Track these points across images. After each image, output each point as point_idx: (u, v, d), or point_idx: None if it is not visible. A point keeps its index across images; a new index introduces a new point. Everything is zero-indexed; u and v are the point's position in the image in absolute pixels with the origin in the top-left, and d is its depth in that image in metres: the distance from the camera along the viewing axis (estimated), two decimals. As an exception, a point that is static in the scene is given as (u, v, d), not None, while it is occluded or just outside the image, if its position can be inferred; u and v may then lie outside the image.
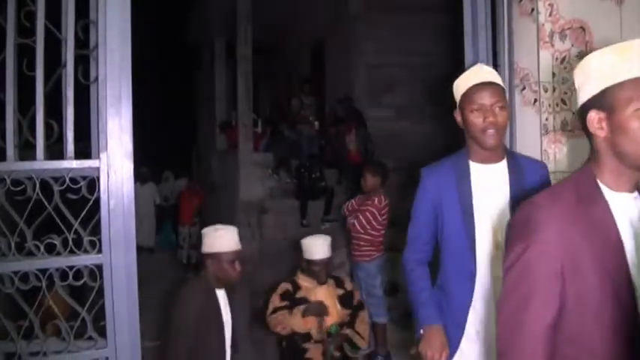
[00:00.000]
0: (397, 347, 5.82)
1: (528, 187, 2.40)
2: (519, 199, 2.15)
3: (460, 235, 2.47)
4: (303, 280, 4.08)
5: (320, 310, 3.90)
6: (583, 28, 2.94)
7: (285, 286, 4.08)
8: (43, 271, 2.25)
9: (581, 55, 2.93)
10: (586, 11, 3.01)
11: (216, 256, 3.29)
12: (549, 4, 3.05)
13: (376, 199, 5.57)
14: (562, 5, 3.04)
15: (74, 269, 2.28)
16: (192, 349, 3.14)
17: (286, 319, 3.89)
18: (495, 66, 3.17)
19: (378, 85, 10.57)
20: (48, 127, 2.31)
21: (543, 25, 3.08)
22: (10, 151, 2.25)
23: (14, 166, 2.25)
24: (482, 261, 2.46)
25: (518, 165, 2.51)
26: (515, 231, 1.59)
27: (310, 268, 4.03)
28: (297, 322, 3.88)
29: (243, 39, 10.29)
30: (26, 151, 2.35)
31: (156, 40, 15.96)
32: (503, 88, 2.52)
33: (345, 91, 10.53)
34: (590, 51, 2.85)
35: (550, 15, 3.06)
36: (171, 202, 13.79)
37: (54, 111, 2.33)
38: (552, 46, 3.07)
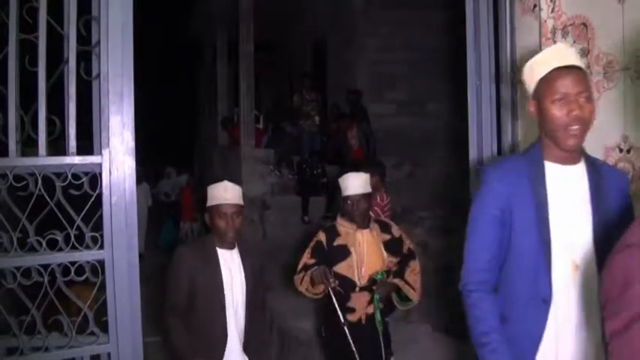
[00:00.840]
0: (399, 343, 5.81)
1: (611, 197, 2.08)
2: (602, 213, 2.01)
3: (533, 250, 2.04)
4: (342, 225, 3.79)
5: (323, 276, 3.48)
6: (585, 25, 2.93)
7: (320, 236, 3.81)
8: (45, 266, 2.25)
9: (583, 52, 2.92)
10: (588, 8, 3.00)
11: (210, 210, 3.21)
12: (551, 1, 3.05)
13: (378, 198, 5.57)
14: (564, 2, 3.03)
15: (76, 265, 2.29)
16: (185, 309, 3.11)
17: (304, 283, 3.64)
18: (497, 62, 3.16)
19: (380, 81, 10.57)
20: (50, 123, 2.32)
21: (545, 21, 3.08)
22: (13, 146, 2.26)
23: (16, 161, 2.25)
24: (560, 283, 2.03)
25: (597, 169, 2.13)
26: (615, 287, 1.32)
27: (346, 207, 3.72)
28: (308, 288, 3.65)
29: (245, 35, 10.28)
30: (27, 148, 2.36)
31: (157, 37, 15.96)
32: (587, 74, 2.16)
33: (347, 87, 10.53)
34: (593, 47, 2.86)
35: (552, 11, 3.05)
36: (172, 199, 13.43)
37: (56, 108, 2.33)
38: (554, 42, 3.06)
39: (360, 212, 3.70)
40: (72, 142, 2.32)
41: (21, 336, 2.26)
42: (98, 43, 2.35)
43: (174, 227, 12.34)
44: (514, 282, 2.09)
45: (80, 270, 2.29)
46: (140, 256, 8.86)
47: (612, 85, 2.78)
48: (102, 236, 2.31)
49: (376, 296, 3.64)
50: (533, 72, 2.10)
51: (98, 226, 2.33)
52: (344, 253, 3.69)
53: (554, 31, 3.06)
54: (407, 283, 3.74)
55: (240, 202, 3.27)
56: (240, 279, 3.23)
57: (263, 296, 3.48)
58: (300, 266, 3.72)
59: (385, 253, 3.74)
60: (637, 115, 2.69)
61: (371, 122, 9.76)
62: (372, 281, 3.64)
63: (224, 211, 3.16)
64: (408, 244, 3.92)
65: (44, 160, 2.28)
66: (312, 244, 3.78)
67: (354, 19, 10.86)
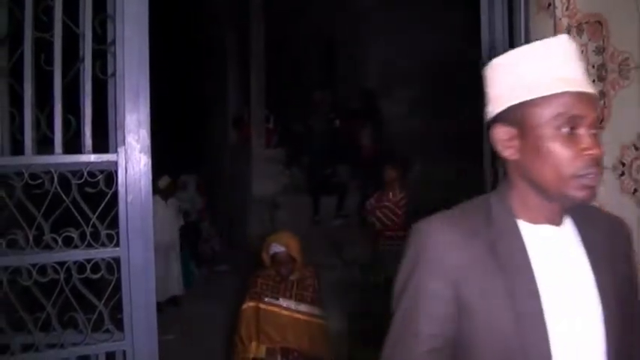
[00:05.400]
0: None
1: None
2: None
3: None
4: None
5: None
6: (600, 23, 2.91)
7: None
8: (61, 264, 2.26)
9: (598, 50, 2.91)
10: (603, 5, 2.98)
11: None
12: (566, -2, 3.03)
13: (391, 194, 5.58)
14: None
15: (92, 262, 2.30)
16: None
17: None
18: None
19: (391, 80, 10.55)
20: (66, 122, 2.32)
21: (560, 19, 3.06)
22: (28, 145, 2.27)
23: (32, 160, 2.26)
24: None
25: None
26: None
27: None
28: None
29: (255, 34, 10.30)
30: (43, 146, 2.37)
31: (167, 36, 15.98)
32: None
33: (357, 85, 10.53)
34: (608, 45, 2.84)
35: (567, 9, 3.03)
36: (191, 219, 9.93)
37: (72, 106, 2.34)
38: (570, 40, 3.05)
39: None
40: (88, 141, 2.33)
41: (36, 333, 2.27)
42: (114, 41, 2.35)
43: (190, 260, 9.62)
44: None
45: (96, 267, 2.30)
46: (175, 300, 7.85)
47: (628, 83, 2.76)
48: (117, 234, 2.31)
49: None
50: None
51: (114, 224, 2.33)
52: None
53: (569, 29, 3.04)
54: None
55: None
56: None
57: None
58: None
59: None
60: (653, 113, 2.68)
61: (383, 122, 9.77)
62: None
63: None
64: None
65: (60, 159, 2.29)
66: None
67: (364, 16, 10.84)
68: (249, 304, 3.79)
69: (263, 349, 3.65)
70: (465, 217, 1.49)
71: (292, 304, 3.73)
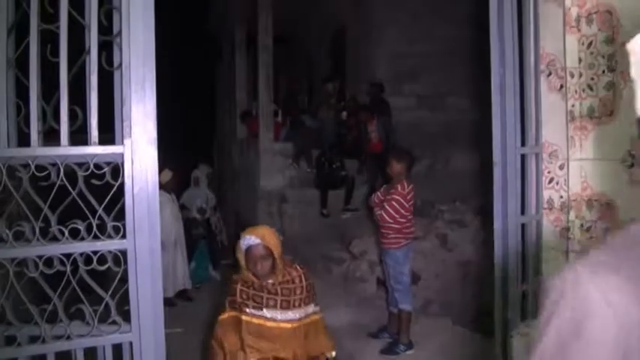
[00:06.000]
0: (418, 335, 5.80)
1: None
2: None
3: None
4: None
5: None
6: (610, 12, 2.88)
7: None
8: (68, 255, 2.26)
9: (608, 40, 2.88)
10: (613, -5, 2.95)
11: None
12: (576, -12, 3.00)
13: (399, 187, 5.52)
14: (589, -11, 2.98)
15: (98, 254, 2.29)
16: None
17: None
18: (521, 51, 3.12)
19: (399, 73, 10.51)
20: (72, 114, 2.32)
21: (569, 9, 3.03)
22: (35, 137, 2.27)
23: (38, 151, 2.26)
24: None
25: None
26: None
27: None
28: None
29: (264, 28, 10.27)
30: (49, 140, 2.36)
31: (176, 30, 16.00)
32: None
33: (366, 79, 10.50)
34: (618, 35, 2.81)
35: (577, -1, 3.01)
36: (207, 216, 9.42)
37: (78, 98, 2.34)
38: (579, 30, 3.02)
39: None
40: (94, 132, 2.32)
41: (43, 324, 2.28)
42: (119, 33, 2.34)
43: (207, 257, 9.32)
44: None
45: (102, 259, 2.30)
46: (185, 294, 7.61)
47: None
48: (124, 226, 2.31)
49: None
50: None
51: (120, 216, 2.33)
52: None
53: (578, 18, 3.01)
54: None
55: None
56: None
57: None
58: None
59: None
60: (665, 104, 2.65)
61: (392, 116, 9.73)
62: None
63: None
64: None
65: (66, 150, 2.28)
66: None
67: (373, 10, 10.80)
68: (229, 314, 3.38)
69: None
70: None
71: (278, 314, 3.33)
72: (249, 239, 3.29)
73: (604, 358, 0.93)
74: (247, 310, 3.30)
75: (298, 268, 3.49)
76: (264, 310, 3.31)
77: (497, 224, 3.15)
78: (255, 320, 3.30)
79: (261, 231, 3.40)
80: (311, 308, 3.45)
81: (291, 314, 3.36)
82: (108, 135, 2.41)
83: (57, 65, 2.30)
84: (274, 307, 3.33)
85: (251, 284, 3.35)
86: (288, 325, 3.33)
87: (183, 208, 8.94)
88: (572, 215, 3.05)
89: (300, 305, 3.38)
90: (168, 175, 7.97)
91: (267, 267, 3.28)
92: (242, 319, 3.28)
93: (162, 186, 7.78)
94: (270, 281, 3.34)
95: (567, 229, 3.05)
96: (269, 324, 3.31)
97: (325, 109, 10.67)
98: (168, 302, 7.40)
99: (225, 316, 3.37)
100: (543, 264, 3.20)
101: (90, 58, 2.33)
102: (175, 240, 8.04)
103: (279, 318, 3.33)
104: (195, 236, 9.10)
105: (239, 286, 3.35)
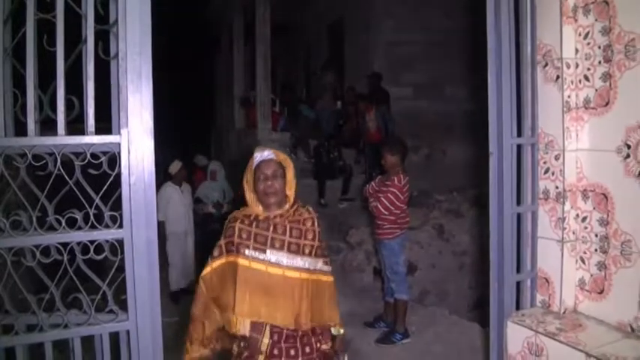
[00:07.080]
0: (415, 325, 5.83)
1: None
2: None
3: None
4: None
5: None
6: (607, 2, 2.88)
7: None
8: (65, 245, 2.27)
9: (604, 30, 2.88)
10: (610, -15, 2.95)
11: None
12: (573, -21, 3.00)
13: (396, 179, 5.53)
14: (586, -20, 2.98)
15: (95, 243, 2.30)
16: None
17: None
18: (517, 42, 3.12)
19: (397, 63, 10.51)
20: (69, 103, 2.32)
21: None
22: (31, 126, 2.27)
23: (35, 141, 2.26)
24: None
25: None
26: None
27: None
28: None
29: (261, 18, 10.25)
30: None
31: (174, 19, 15.94)
32: None
33: (364, 69, 10.49)
34: (614, 26, 2.81)
35: (574, -11, 3.01)
36: (224, 210, 8.73)
37: (75, 88, 2.33)
38: (575, 21, 3.02)
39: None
40: (90, 122, 2.32)
41: (40, 313, 2.29)
42: (116, 22, 2.34)
43: None
44: None
45: (99, 248, 2.31)
46: (184, 292, 7.20)
47: (634, 64, 2.74)
48: (121, 215, 2.32)
49: None
50: None
51: (117, 206, 2.34)
52: None
53: (575, 9, 3.01)
54: None
55: None
56: None
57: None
58: None
59: None
60: (660, 94, 2.65)
61: (391, 106, 9.74)
62: None
63: None
64: None
65: (63, 140, 2.28)
66: None
67: (371, 0, 10.78)
68: (222, 261, 2.75)
69: (247, 323, 2.68)
70: None
71: (284, 258, 2.69)
72: (262, 153, 2.84)
73: None
74: (246, 251, 2.69)
75: (311, 210, 2.91)
76: (268, 252, 2.69)
77: (492, 214, 3.16)
78: (255, 265, 2.67)
79: (272, 149, 2.95)
80: (320, 264, 2.85)
81: (300, 261, 2.74)
82: (107, 124, 2.42)
83: (54, 55, 2.30)
84: (280, 248, 2.71)
85: (254, 219, 2.77)
86: (296, 275, 2.72)
87: (199, 201, 8.82)
88: (567, 206, 3.06)
89: (310, 254, 2.77)
90: (177, 165, 7.90)
91: (278, 187, 2.75)
92: (238, 264, 2.67)
93: (171, 177, 7.80)
94: (279, 212, 2.79)
95: (563, 219, 3.06)
96: (272, 270, 2.68)
97: (325, 98, 10.66)
98: (184, 292, 7.41)
99: (216, 263, 2.77)
100: (539, 254, 3.21)
101: (86, 47, 2.33)
102: (186, 230, 8.00)
103: (285, 263, 2.70)
104: (212, 232, 8.27)
105: (238, 224, 2.78)
